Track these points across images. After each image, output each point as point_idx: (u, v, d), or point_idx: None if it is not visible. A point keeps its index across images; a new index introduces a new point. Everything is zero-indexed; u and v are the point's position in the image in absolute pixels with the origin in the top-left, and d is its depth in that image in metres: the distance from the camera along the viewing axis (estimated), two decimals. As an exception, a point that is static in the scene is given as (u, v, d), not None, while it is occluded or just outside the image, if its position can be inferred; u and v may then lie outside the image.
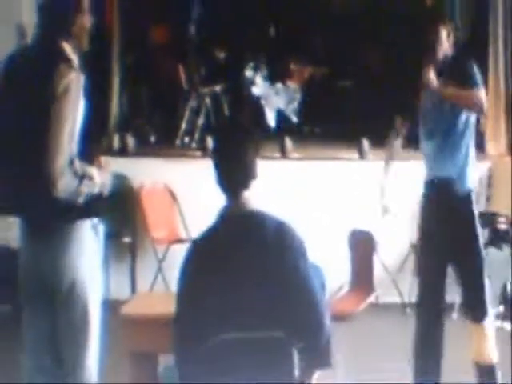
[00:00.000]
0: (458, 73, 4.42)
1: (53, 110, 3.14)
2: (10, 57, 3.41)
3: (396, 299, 6.79)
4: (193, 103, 8.75)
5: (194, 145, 8.18)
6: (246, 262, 3.02)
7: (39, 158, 3.13)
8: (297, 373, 3.05)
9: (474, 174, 4.60)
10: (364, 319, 5.05)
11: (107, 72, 7.84)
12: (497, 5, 7.55)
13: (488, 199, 7.05)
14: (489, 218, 6.54)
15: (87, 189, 3.25)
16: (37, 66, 3.26)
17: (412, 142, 4.95)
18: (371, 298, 5.20)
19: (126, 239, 7.11)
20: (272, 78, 9.38)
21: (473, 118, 4.55)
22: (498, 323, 5.85)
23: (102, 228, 3.39)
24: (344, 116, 8.73)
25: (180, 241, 6.69)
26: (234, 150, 3.10)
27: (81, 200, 3.24)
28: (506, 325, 6.20)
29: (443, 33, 4.45)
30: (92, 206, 3.29)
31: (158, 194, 7.22)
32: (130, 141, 7.62)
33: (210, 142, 7.32)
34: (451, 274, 4.59)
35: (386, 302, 6.49)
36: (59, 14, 3.31)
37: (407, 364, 4.58)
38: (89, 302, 3.31)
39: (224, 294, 3.00)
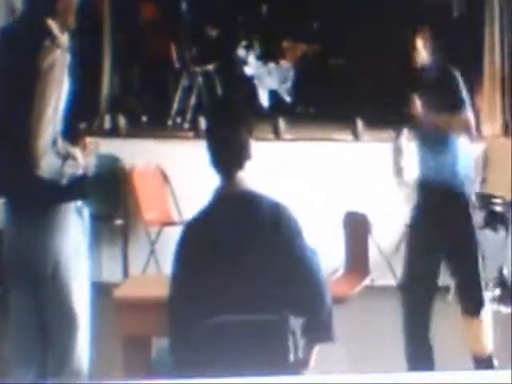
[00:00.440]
0: (444, 93, 4.38)
1: (36, 88, 3.11)
2: None
3: (391, 282, 6.76)
4: (185, 82, 8.68)
5: (186, 125, 8.12)
6: (240, 242, 3.02)
7: (22, 137, 3.10)
8: (292, 356, 3.03)
9: (467, 168, 4.54)
10: (359, 302, 5.02)
11: (98, 51, 7.75)
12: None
13: (483, 181, 7.01)
14: (484, 200, 6.49)
15: (70, 169, 3.21)
16: (21, 43, 3.23)
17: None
18: (366, 281, 5.17)
19: (118, 221, 7.06)
20: (265, 57, 9.31)
21: None
22: (495, 306, 5.84)
23: (86, 210, 3.34)
24: (338, 95, 8.66)
25: (172, 223, 6.65)
26: (228, 130, 3.10)
27: (64, 181, 3.20)
28: (503, 308, 6.18)
29: (419, 43, 4.41)
30: (75, 188, 3.25)
31: (149, 175, 7.17)
32: (122, 121, 7.55)
33: (202, 123, 7.26)
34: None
35: (381, 285, 6.46)
36: None
37: (403, 347, 4.55)
38: (74, 285, 3.28)
39: (219, 275, 2.99)
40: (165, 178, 7.21)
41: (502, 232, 6.53)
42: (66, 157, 3.20)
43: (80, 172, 3.27)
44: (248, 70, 9.22)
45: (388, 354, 5.02)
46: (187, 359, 2.98)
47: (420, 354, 4.53)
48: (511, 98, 7.45)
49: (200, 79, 8.74)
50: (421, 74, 4.44)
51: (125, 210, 7.10)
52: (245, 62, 9.22)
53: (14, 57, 3.19)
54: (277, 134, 7.51)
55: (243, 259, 3.00)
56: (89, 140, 3.40)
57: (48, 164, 3.12)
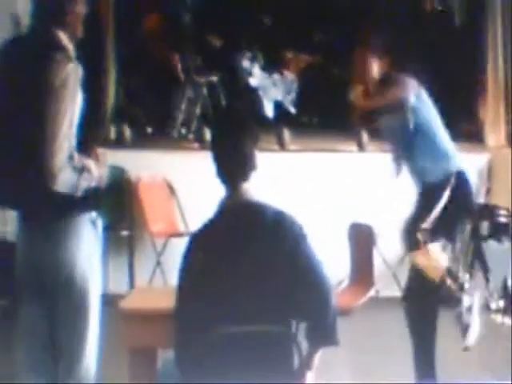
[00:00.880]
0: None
1: (50, 104, 3.09)
2: (4, 47, 3.35)
3: (396, 293, 6.73)
4: (189, 93, 8.70)
5: (191, 136, 8.13)
6: (246, 253, 3.02)
7: (38, 153, 3.08)
8: (296, 366, 3.04)
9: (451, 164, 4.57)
10: (364, 313, 5.01)
11: (103, 62, 7.77)
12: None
13: (488, 192, 7.01)
14: (489, 211, 6.48)
15: (86, 182, 3.21)
16: (32, 57, 3.20)
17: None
18: (371, 292, 5.16)
19: (124, 232, 7.07)
20: (269, 68, 9.32)
21: (423, 119, 4.55)
22: (499, 318, 5.82)
23: (100, 221, 3.34)
24: (342, 105, 8.65)
25: (178, 234, 6.65)
26: (233, 141, 3.10)
27: (79, 194, 3.19)
28: (507, 320, 6.16)
29: (373, 65, 4.62)
30: (90, 200, 3.25)
31: (155, 186, 7.17)
32: (127, 132, 7.57)
33: (207, 134, 7.27)
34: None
35: (386, 296, 6.45)
36: (54, 3, 3.26)
37: (408, 359, 4.54)
38: (87, 296, 3.28)
39: (225, 286, 2.99)
40: (171, 189, 7.21)
41: (506, 243, 6.51)
42: (82, 170, 3.20)
43: (94, 183, 3.27)
44: (252, 81, 9.24)
45: (393, 365, 5.02)
46: (193, 371, 2.98)
47: (424, 365, 4.52)
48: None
49: (205, 90, 8.76)
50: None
51: (131, 221, 7.10)
52: (249, 73, 9.24)
53: (26, 71, 3.17)
54: (281, 145, 7.52)
55: (249, 270, 3.00)
56: (101, 150, 3.40)
57: (65, 180, 3.12)
